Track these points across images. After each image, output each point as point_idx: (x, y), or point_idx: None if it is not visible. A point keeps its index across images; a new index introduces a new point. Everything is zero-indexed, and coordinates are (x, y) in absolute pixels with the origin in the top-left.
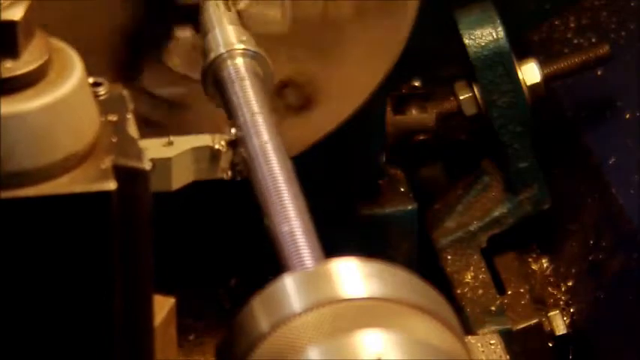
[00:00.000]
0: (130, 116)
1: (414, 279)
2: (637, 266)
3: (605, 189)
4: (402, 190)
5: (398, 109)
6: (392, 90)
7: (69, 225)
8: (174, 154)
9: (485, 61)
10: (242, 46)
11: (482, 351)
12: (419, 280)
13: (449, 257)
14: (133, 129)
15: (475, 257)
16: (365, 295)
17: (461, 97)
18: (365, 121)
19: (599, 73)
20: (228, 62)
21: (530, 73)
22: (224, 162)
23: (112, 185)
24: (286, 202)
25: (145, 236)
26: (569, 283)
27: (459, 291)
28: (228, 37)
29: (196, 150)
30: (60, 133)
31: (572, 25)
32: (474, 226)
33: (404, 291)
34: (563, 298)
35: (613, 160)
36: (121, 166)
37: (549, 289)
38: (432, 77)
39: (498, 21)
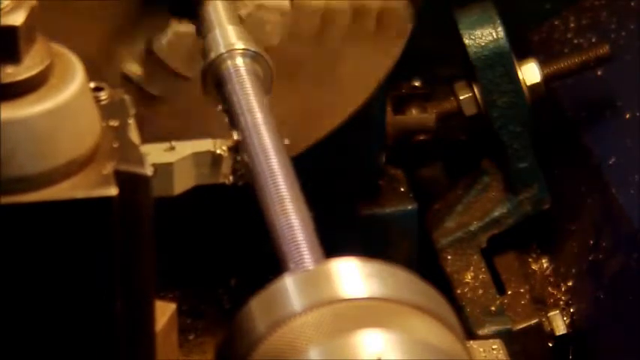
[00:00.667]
0: (131, 121)
1: (414, 279)
2: (637, 266)
3: (605, 189)
4: (402, 190)
5: (398, 109)
6: (392, 90)
7: (70, 231)
8: (175, 159)
9: (486, 61)
10: (242, 46)
11: (485, 356)
12: (419, 280)
13: (449, 257)
14: (134, 134)
15: (475, 257)
16: (365, 295)
17: (461, 97)
18: (365, 121)
19: (599, 73)
20: (229, 62)
21: (530, 73)
22: (225, 167)
23: (113, 191)
24: (286, 201)
25: (147, 242)
26: (569, 283)
27: (459, 291)
28: (228, 37)
29: (198, 155)
30: (61, 138)
31: (572, 25)
32: (474, 226)
33: (404, 291)
34: (563, 298)
35: (613, 160)
36: (123, 171)
37: (549, 289)
38: (432, 77)
39: (498, 21)
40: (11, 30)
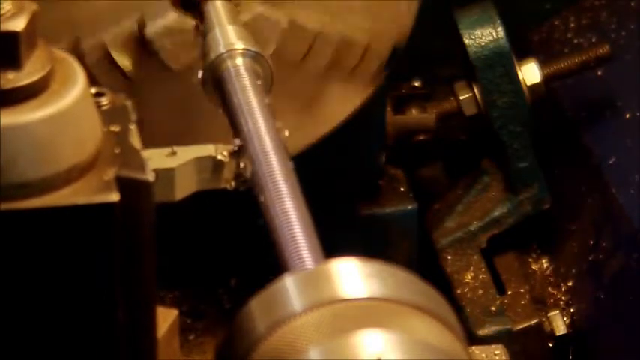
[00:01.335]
0: (132, 127)
1: (414, 279)
2: (637, 266)
3: (605, 189)
4: (402, 190)
5: (398, 109)
6: (392, 90)
7: (71, 237)
8: (177, 165)
9: (486, 61)
10: (242, 46)
11: None
12: (419, 280)
13: (449, 257)
14: (135, 140)
15: (475, 257)
16: (365, 295)
17: (461, 97)
18: (365, 121)
19: (599, 73)
20: (228, 62)
21: (530, 73)
22: (227, 172)
23: (114, 197)
24: (286, 201)
25: (148, 247)
26: (569, 283)
27: (459, 291)
28: (228, 37)
29: (199, 160)
30: (63, 144)
31: (572, 25)
32: (474, 226)
33: (404, 291)
34: (563, 298)
35: (613, 160)
36: (124, 177)
37: (549, 289)
38: (432, 77)
39: (498, 21)
40: (12, 35)
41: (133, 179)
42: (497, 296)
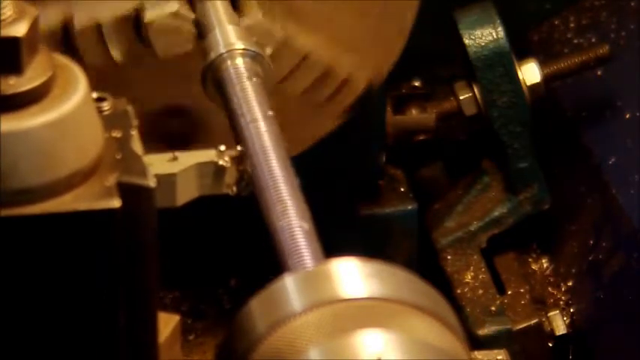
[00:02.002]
0: (134, 132)
1: (414, 279)
2: (637, 266)
3: (605, 189)
4: (402, 190)
5: (398, 109)
6: (392, 90)
7: (73, 243)
8: (178, 170)
9: (485, 61)
10: (242, 46)
11: None
12: (419, 280)
13: (449, 257)
14: (137, 145)
15: (475, 257)
16: (365, 295)
17: (461, 97)
18: (365, 121)
19: (599, 73)
20: (229, 62)
21: (530, 73)
22: (229, 178)
23: (116, 203)
24: (286, 201)
25: (150, 253)
26: (569, 283)
27: (459, 291)
28: (228, 37)
29: (201, 165)
30: (64, 149)
31: (572, 25)
32: (474, 226)
33: (404, 291)
34: (563, 298)
35: (613, 160)
36: (126, 183)
37: (549, 289)
38: (432, 77)
39: (498, 21)
40: (14, 41)
41: (134, 185)
42: (497, 296)
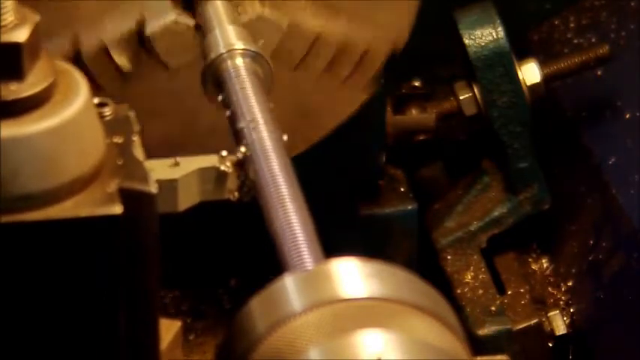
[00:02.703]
0: (135, 138)
1: (414, 279)
2: (637, 266)
3: (605, 189)
4: (402, 190)
5: (398, 109)
6: (392, 90)
7: (74, 249)
8: (180, 176)
9: (485, 61)
10: (242, 46)
11: None
12: (419, 280)
13: (449, 257)
14: (138, 151)
15: (475, 257)
16: (365, 295)
17: (461, 97)
18: (365, 121)
19: (599, 73)
20: (229, 62)
21: (530, 73)
22: (231, 183)
23: (117, 209)
24: (286, 201)
25: (151, 259)
26: (569, 283)
27: (459, 291)
28: (228, 37)
29: (202, 171)
30: (66, 155)
31: (572, 25)
32: (474, 226)
33: (404, 291)
34: (563, 298)
35: (613, 160)
36: (127, 189)
37: (549, 289)
38: (432, 77)
39: (498, 21)
40: (15, 47)
41: (136, 191)
42: (498, 296)
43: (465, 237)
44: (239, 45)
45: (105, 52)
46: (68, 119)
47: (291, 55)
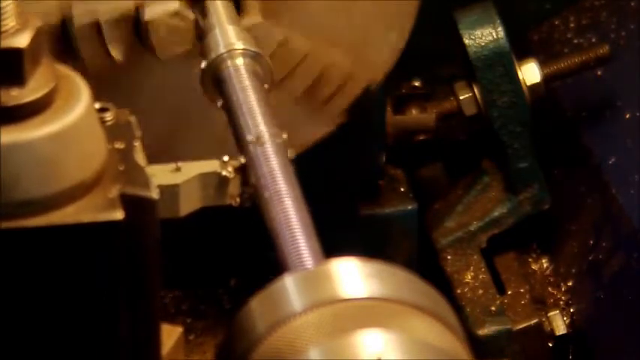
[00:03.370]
0: (137, 143)
1: (414, 279)
2: (637, 266)
3: (605, 189)
4: (402, 190)
5: (398, 109)
6: (392, 90)
7: (75, 255)
8: (181, 181)
9: (486, 61)
10: (242, 46)
11: None
12: (419, 280)
13: (449, 257)
14: (140, 156)
15: (475, 257)
16: (365, 295)
17: (461, 97)
18: (365, 121)
19: (599, 73)
20: (229, 62)
21: (530, 73)
22: (232, 188)
23: (119, 215)
24: (286, 201)
25: (152, 264)
26: (569, 283)
27: (459, 291)
28: (228, 37)
29: (204, 176)
30: (67, 161)
31: (572, 25)
32: (474, 226)
33: (404, 291)
34: (563, 298)
35: (613, 160)
36: (129, 195)
37: (549, 289)
38: (432, 77)
39: (498, 21)
40: (16, 52)
41: (137, 196)
42: (497, 296)
43: (465, 237)
44: (239, 45)
45: (96, 29)
46: (69, 125)
47: (278, 68)
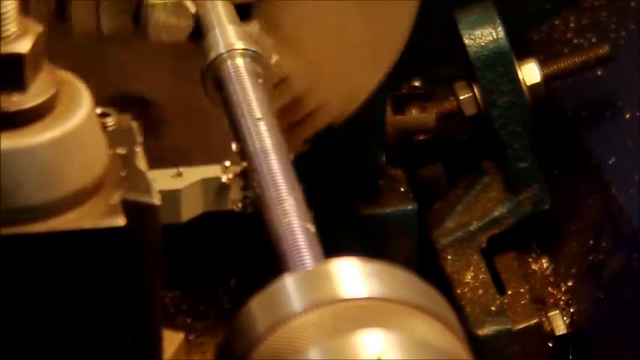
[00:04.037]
0: (138, 149)
1: (414, 279)
2: (637, 266)
3: (605, 189)
4: (402, 190)
5: (398, 109)
6: (392, 90)
7: (77, 261)
8: (183, 186)
9: (486, 61)
10: (242, 46)
11: None
12: (419, 280)
13: (449, 257)
14: (141, 162)
15: (475, 257)
16: (365, 295)
17: (461, 97)
18: (365, 121)
19: (599, 73)
20: (229, 62)
21: (530, 73)
22: (234, 193)
23: (120, 221)
24: (286, 201)
25: (155, 271)
26: (569, 283)
27: (459, 291)
28: (228, 37)
29: (205, 181)
30: (68, 167)
31: (572, 25)
32: (474, 226)
33: (404, 291)
34: (563, 298)
35: (613, 160)
36: (130, 201)
37: (549, 289)
38: (432, 77)
39: (498, 21)
40: (17, 58)
41: (139, 202)
42: (497, 296)
43: (465, 237)
44: (239, 45)
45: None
46: (71, 130)
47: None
